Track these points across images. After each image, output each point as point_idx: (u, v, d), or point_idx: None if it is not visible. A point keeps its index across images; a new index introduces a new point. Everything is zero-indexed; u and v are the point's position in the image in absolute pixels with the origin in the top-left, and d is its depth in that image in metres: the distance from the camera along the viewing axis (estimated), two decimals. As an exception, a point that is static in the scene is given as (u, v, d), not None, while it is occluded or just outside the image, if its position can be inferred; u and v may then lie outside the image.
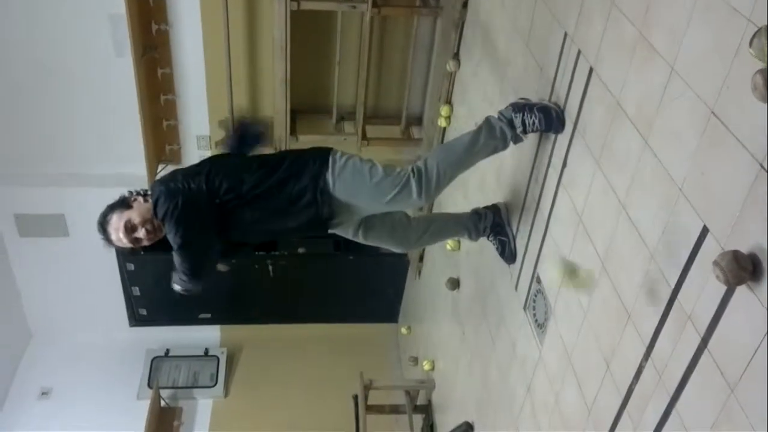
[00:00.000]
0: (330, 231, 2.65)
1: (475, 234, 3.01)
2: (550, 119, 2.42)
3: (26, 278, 5.53)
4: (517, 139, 2.55)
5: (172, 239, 2.39)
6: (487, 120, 2.58)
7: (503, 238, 2.96)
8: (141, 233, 2.42)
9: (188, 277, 2.45)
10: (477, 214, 3.03)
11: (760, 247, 1.41)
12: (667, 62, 1.75)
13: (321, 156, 2.51)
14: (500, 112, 2.56)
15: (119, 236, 2.41)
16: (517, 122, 2.50)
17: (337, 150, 2.55)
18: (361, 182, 2.49)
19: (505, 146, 2.58)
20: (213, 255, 2.55)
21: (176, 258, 2.44)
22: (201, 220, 2.42)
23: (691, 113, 1.64)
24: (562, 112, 2.41)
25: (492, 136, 2.55)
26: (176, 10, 4.20)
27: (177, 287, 2.51)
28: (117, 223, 2.41)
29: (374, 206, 2.61)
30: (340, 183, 2.47)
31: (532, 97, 2.61)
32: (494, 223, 2.98)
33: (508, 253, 2.95)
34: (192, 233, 2.40)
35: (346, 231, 2.72)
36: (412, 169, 2.51)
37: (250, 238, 2.85)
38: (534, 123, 2.45)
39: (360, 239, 2.78)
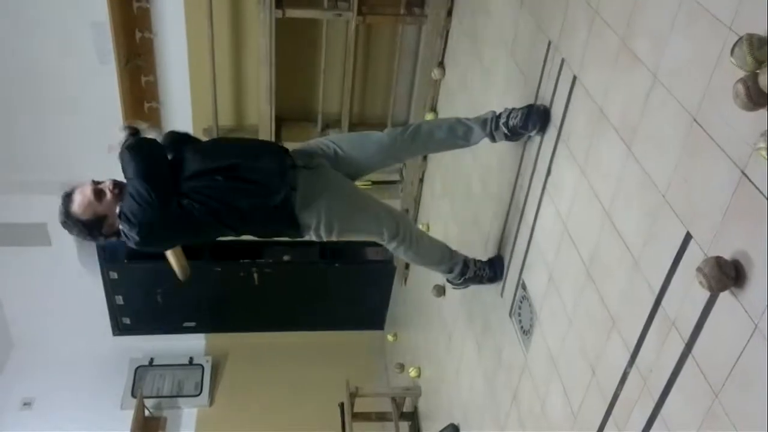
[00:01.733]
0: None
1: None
2: (529, 115, 2.46)
3: (8, 287, 5.46)
4: (492, 135, 2.59)
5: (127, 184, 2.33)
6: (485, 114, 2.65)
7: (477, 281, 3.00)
8: (106, 183, 2.38)
9: (128, 227, 2.34)
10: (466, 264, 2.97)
11: (743, 254, 1.42)
12: (649, 70, 1.77)
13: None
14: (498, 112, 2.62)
15: (84, 190, 2.36)
16: (504, 114, 2.54)
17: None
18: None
19: (473, 135, 2.63)
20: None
21: (125, 204, 2.32)
22: (158, 174, 2.35)
23: (673, 121, 1.66)
24: (544, 107, 2.44)
25: (475, 120, 2.62)
26: (160, 18, 4.18)
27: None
28: (82, 186, 2.39)
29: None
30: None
31: (515, 106, 2.63)
32: (471, 278, 2.96)
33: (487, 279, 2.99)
34: (148, 183, 2.30)
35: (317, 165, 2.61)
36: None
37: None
38: (516, 116, 2.50)
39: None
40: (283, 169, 2.43)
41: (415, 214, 4.58)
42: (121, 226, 2.35)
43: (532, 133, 2.50)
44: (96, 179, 2.40)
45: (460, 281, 2.92)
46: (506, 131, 2.55)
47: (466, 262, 2.89)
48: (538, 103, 2.50)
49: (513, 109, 2.54)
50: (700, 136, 1.56)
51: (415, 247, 2.70)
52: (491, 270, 2.92)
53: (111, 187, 2.37)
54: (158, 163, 2.37)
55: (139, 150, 2.35)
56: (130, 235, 2.34)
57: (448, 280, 2.96)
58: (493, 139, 2.62)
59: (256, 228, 2.59)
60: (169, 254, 2.82)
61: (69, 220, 2.39)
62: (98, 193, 2.37)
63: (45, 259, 5.22)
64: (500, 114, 2.58)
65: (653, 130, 1.77)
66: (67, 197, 2.39)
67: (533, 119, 2.45)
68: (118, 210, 2.34)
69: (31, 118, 4.53)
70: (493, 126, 2.59)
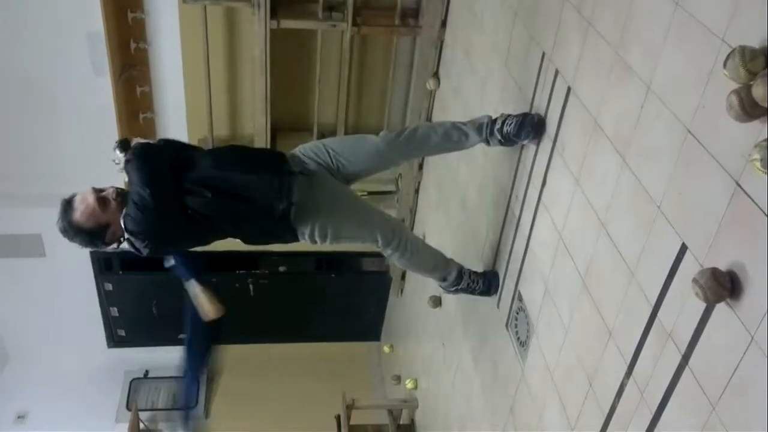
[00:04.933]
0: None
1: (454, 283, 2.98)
2: (523, 124, 2.46)
3: (2, 299, 5.43)
4: (488, 139, 2.59)
5: (132, 189, 2.31)
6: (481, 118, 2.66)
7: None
8: (109, 191, 2.34)
9: (134, 235, 2.32)
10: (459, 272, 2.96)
11: (739, 265, 1.42)
12: (643, 82, 1.77)
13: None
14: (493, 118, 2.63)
15: (86, 197, 2.32)
16: (499, 120, 2.55)
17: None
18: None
19: (468, 138, 2.62)
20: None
21: (131, 209, 2.30)
22: (161, 174, 2.34)
23: (667, 132, 1.66)
24: (538, 118, 2.43)
25: (470, 124, 2.62)
26: (155, 29, 4.19)
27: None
28: (83, 193, 2.35)
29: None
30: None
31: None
32: (464, 288, 2.97)
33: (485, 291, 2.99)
34: (155, 186, 2.29)
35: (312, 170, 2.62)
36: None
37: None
38: (510, 123, 2.50)
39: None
40: (282, 183, 2.41)
41: (411, 225, 4.57)
42: (126, 235, 2.33)
43: (524, 142, 2.51)
44: (97, 186, 2.37)
45: (452, 290, 2.93)
46: (500, 138, 2.55)
47: (461, 272, 2.89)
48: (534, 112, 2.50)
49: (509, 115, 2.54)
50: (694, 147, 1.56)
51: (409, 254, 2.69)
52: (484, 284, 2.92)
53: (114, 195, 2.34)
54: (159, 167, 2.35)
55: (140, 156, 2.35)
56: (137, 245, 2.33)
57: (440, 286, 2.97)
58: (487, 143, 2.63)
59: (254, 237, 2.59)
60: (198, 292, 2.77)
61: (70, 228, 2.35)
62: (101, 201, 2.33)
63: (39, 271, 5.19)
64: (496, 119, 2.58)
65: (648, 142, 1.77)
66: (68, 204, 2.36)
67: (526, 129, 2.45)
68: (122, 218, 2.32)
69: (25, 129, 4.52)
70: (488, 132, 2.59)
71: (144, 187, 2.27)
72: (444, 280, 2.88)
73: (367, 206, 2.72)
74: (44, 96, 4.39)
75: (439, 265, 2.86)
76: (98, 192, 2.35)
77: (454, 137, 2.63)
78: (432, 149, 2.81)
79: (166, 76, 4.38)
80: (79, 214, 2.33)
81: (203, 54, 4.14)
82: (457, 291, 2.93)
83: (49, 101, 4.41)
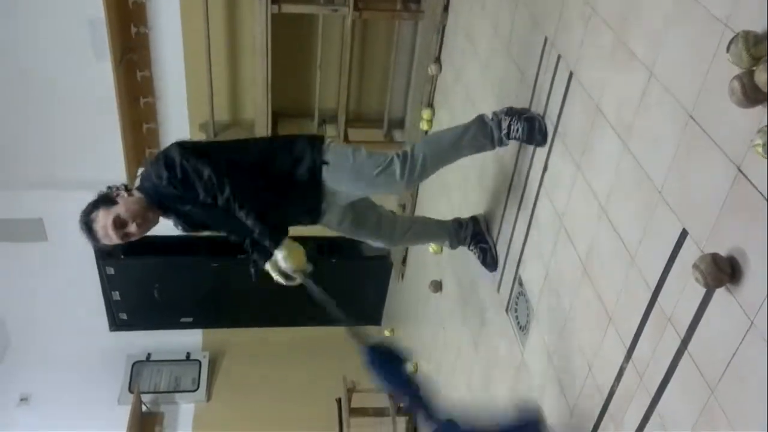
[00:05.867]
0: (318, 222, 2.63)
1: (455, 241, 3.05)
2: (532, 131, 2.45)
3: (4, 283, 5.44)
4: (501, 142, 2.57)
5: (221, 201, 2.25)
6: (480, 117, 2.61)
7: (484, 246, 2.99)
8: (132, 228, 2.32)
9: (262, 228, 2.28)
10: (458, 223, 3.07)
11: (739, 250, 1.42)
12: (645, 67, 1.77)
13: (315, 143, 2.49)
14: (494, 112, 2.59)
15: (108, 233, 2.30)
16: (504, 125, 2.52)
17: (325, 137, 2.58)
18: (344, 162, 2.48)
19: (492, 146, 2.60)
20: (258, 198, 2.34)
21: (245, 217, 2.26)
22: (223, 168, 2.28)
23: (669, 118, 1.66)
24: (545, 126, 2.43)
25: (481, 134, 2.57)
26: (156, 13, 4.17)
27: (269, 265, 2.38)
28: (104, 219, 2.30)
29: (356, 186, 2.58)
30: (324, 166, 2.47)
31: (512, 102, 2.63)
32: (474, 232, 3.03)
33: (489, 260, 2.97)
34: (230, 181, 2.26)
35: (330, 220, 2.68)
36: (397, 154, 2.53)
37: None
38: (517, 131, 2.48)
39: (345, 231, 2.77)
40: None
41: (413, 210, 4.57)
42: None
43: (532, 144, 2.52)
44: (118, 215, 2.30)
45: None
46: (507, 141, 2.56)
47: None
48: (536, 111, 2.50)
49: (510, 128, 2.51)
50: (696, 132, 1.56)
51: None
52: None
53: (137, 230, 2.33)
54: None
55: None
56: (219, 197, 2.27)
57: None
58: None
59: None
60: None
61: (94, 242, 2.36)
62: (125, 236, 2.32)
63: (41, 255, 5.20)
64: (501, 138, 2.55)
65: (649, 127, 1.77)
66: (89, 230, 2.33)
67: (537, 138, 2.44)
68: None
69: (26, 113, 4.51)
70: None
71: (204, 168, 2.24)
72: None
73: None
74: (45, 80, 4.37)
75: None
76: (120, 227, 2.30)
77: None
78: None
79: (166, 60, 4.36)
80: (102, 239, 2.33)
81: (204, 38, 4.12)
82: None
83: (49, 85, 4.39)
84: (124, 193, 2.37)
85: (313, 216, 2.59)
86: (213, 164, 2.27)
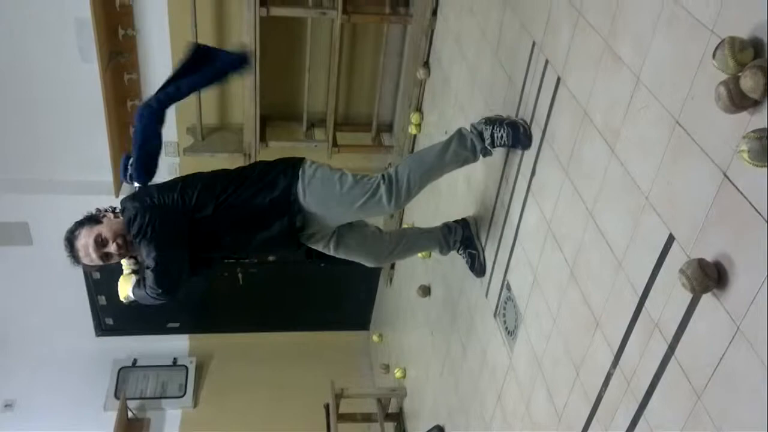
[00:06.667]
0: (303, 243, 2.64)
1: (446, 248, 3.04)
2: (517, 135, 2.45)
3: (-12, 288, 5.40)
4: (485, 152, 2.57)
5: (148, 258, 2.36)
6: (459, 131, 2.60)
7: (473, 251, 2.99)
8: (112, 248, 2.38)
9: (161, 296, 2.43)
10: (447, 227, 3.05)
11: (725, 256, 1.43)
12: (632, 72, 1.77)
13: (291, 167, 2.51)
14: (472, 125, 2.58)
15: (89, 252, 2.35)
16: (486, 135, 2.52)
17: (307, 159, 2.55)
18: (330, 190, 2.49)
19: (475, 158, 2.60)
20: (186, 272, 2.50)
21: (149, 277, 2.39)
22: (177, 238, 2.40)
23: (656, 123, 1.66)
24: (530, 128, 2.44)
25: (462, 147, 2.57)
26: (143, 15, 4.15)
27: (145, 301, 2.50)
28: (86, 237, 2.36)
29: (345, 214, 2.60)
30: (310, 192, 2.47)
31: (500, 107, 2.63)
32: (464, 237, 3.02)
33: (477, 266, 2.97)
34: (169, 253, 2.38)
35: (317, 243, 2.70)
36: (383, 176, 2.53)
37: (221, 252, 2.74)
38: (502, 137, 2.48)
39: (332, 252, 2.77)
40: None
41: (401, 215, 4.57)
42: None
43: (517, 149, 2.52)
44: (100, 234, 2.37)
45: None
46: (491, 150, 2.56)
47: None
48: (521, 119, 2.50)
49: (493, 136, 2.51)
50: (682, 138, 1.56)
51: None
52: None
53: (117, 250, 2.39)
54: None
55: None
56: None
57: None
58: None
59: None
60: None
61: (76, 261, 2.42)
62: (105, 256, 2.39)
63: (26, 259, 5.15)
64: (485, 149, 2.56)
65: (636, 133, 1.77)
66: (72, 248, 2.39)
67: (523, 141, 2.45)
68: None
69: (12, 115, 4.47)
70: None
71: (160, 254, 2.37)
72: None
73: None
74: (31, 81, 4.34)
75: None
76: (100, 247, 2.36)
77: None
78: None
79: (154, 63, 4.34)
80: (82, 258, 2.38)
81: (192, 41, 4.10)
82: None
83: (36, 87, 4.36)
84: (110, 215, 2.44)
85: (293, 243, 2.60)
86: (163, 226, 2.36)
